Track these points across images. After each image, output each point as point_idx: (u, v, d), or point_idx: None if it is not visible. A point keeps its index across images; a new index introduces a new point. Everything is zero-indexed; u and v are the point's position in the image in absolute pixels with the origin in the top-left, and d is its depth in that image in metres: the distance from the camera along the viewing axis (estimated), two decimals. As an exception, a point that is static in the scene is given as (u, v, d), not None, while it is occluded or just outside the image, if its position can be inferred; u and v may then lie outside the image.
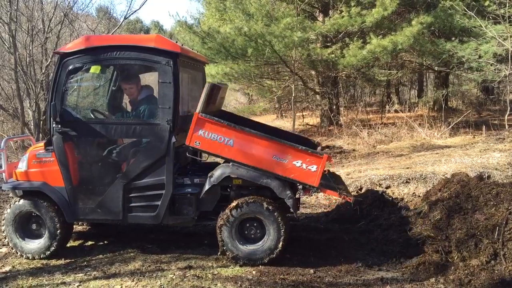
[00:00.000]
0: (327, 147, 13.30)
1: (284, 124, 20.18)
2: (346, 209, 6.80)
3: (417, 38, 14.02)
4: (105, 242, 5.61)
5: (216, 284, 4.40)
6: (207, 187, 4.90)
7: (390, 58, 15.21)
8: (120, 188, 4.90)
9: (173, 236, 5.89)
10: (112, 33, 14.21)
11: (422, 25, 13.56)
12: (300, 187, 5.24)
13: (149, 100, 5.15)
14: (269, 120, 22.53)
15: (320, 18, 16.65)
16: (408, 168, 8.58)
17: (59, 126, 4.81)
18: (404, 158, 10.49)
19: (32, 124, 13.58)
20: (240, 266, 4.83)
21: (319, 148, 5.63)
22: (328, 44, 15.75)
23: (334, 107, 17.70)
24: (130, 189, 4.91)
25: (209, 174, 4.92)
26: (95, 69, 4.99)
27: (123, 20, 15.26)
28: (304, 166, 4.75)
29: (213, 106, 5.41)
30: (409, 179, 7.84)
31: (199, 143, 4.81)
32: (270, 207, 4.83)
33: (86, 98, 5.73)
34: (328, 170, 6.02)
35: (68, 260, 5.00)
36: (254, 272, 4.70)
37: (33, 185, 4.99)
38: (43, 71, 13.55)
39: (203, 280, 4.49)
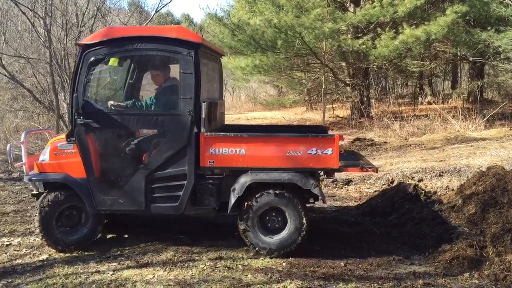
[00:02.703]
0: (358, 139, 13.17)
1: (314, 116, 20.07)
2: (378, 202, 6.72)
3: (451, 27, 13.70)
4: (138, 232, 5.71)
5: (247, 275, 4.43)
6: (232, 201, 4.86)
7: (423, 48, 14.91)
8: (142, 178, 4.91)
9: (204, 227, 5.95)
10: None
11: (456, 14, 13.22)
12: (322, 173, 5.28)
13: (172, 90, 5.16)
14: (299, 112, 22.44)
15: (351, 9, 16.42)
16: (441, 161, 8.43)
17: (81, 117, 4.81)
18: (437, 151, 10.30)
19: (67, 116, 13.92)
20: (270, 258, 4.84)
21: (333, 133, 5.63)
22: (359, 35, 15.54)
23: (365, 99, 17.48)
24: (152, 179, 4.92)
25: (231, 188, 4.91)
26: (113, 61, 4.99)
27: (154, 14, 15.43)
28: (319, 152, 4.82)
29: (216, 123, 5.50)
30: (442, 172, 7.71)
31: (213, 162, 4.86)
32: (291, 197, 4.87)
33: (107, 90, 5.75)
34: (344, 150, 6.06)
35: (102, 250, 5.11)
36: (284, 264, 4.71)
37: (56, 177, 4.96)
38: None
39: (233, 271, 4.53)
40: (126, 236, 5.63)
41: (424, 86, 23.20)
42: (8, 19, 15.69)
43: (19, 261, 4.88)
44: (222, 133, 4.97)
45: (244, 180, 4.86)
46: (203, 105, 4.90)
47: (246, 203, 4.89)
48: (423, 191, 6.67)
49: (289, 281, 4.28)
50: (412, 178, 7.99)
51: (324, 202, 5.13)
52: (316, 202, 5.28)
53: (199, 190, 4.97)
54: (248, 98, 30.63)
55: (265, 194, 4.87)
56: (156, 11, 14.92)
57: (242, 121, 22.00)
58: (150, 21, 15.51)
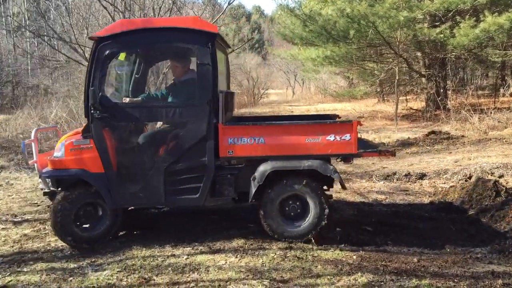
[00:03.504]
0: (433, 132, 12.67)
1: (386, 108, 19.54)
2: (454, 198, 6.46)
3: (539, 14, 12.77)
4: (209, 220, 5.87)
5: (317, 266, 4.44)
6: (253, 190, 4.89)
7: (506, 37, 14.02)
8: (161, 171, 4.88)
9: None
10: (216, 20, 14.65)
11: (545, 0, 12.31)
12: (338, 159, 5.36)
13: (193, 83, 5.07)
14: (370, 104, 21.95)
15: (428, -4, 15.75)
16: (525, 156, 7.92)
17: (98, 112, 4.71)
18: (520, 146, 9.70)
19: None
20: (341, 250, 4.82)
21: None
22: (437, 23, 14.91)
23: (442, 90, 16.78)
24: (171, 172, 4.88)
25: (251, 177, 4.92)
26: (122, 56, 5.03)
27: (227, 6, 15.64)
28: (338, 138, 4.88)
29: (230, 113, 5.47)
30: (526, 168, 7.26)
31: (232, 152, 4.88)
32: (312, 184, 4.93)
33: (124, 83, 5.71)
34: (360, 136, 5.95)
35: (177, 235, 5.30)
36: (354, 257, 4.66)
37: (73, 173, 4.84)
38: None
39: (303, 261, 4.55)
40: (196, 221, 5.81)
41: (506, 77, 21.83)
42: (90, 14, 16.56)
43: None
44: (241, 122, 5.00)
45: (264, 169, 4.90)
46: (220, 96, 4.89)
47: (266, 191, 4.92)
48: (504, 188, 6.32)
49: (359, 274, 4.23)
50: (492, 173, 7.60)
51: (344, 188, 5.22)
52: (383, 197, 5.17)
53: (218, 180, 4.98)
54: (318, 90, 30.38)
55: (285, 181, 4.93)
56: (229, 4, 15.12)
57: (312, 112, 21.90)
58: (223, 13, 15.77)
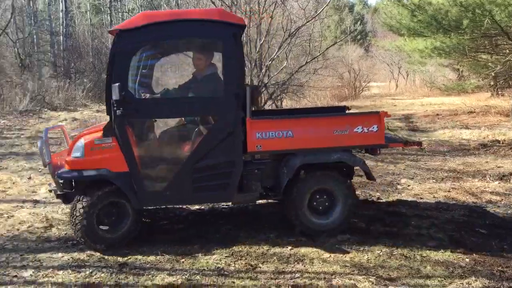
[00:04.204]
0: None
1: (500, 103, 18.12)
2: None
3: None
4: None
5: (426, 267, 4.28)
6: (284, 184, 4.81)
7: None
8: (188, 168, 4.71)
9: (378, 213, 5.87)
10: (319, 12, 14.55)
11: None
12: (363, 151, 5.39)
13: (215, 77, 5.00)
14: (482, 98, 20.49)
15: (556, -19, 14.28)
16: None
17: (121, 108, 4.47)
18: None
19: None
20: (452, 251, 4.59)
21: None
22: None
23: None
24: (198, 169, 4.71)
25: (281, 171, 4.87)
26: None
27: (331, -2, 15.44)
28: (365, 129, 4.86)
29: (255, 108, 5.30)
30: None
31: (260, 146, 4.77)
32: (340, 177, 4.96)
33: (147, 77, 5.48)
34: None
35: (281, 225, 5.39)
36: (467, 259, 4.42)
37: (95, 173, 4.60)
38: (257, 50, 14.65)
39: (411, 261, 4.41)
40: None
41: None
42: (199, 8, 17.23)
43: (208, 227, 5.40)
44: (268, 116, 4.90)
45: (294, 163, 4.82)
46: (248, 89, 4.74)
47: (294, 185, 4.83)
48: None
49: (473, 278, 4.01)
50: None
51: (373, 179, 5.25)
52: (498, 199, 4.82)
53: (245, 176, 4.86)
54: (424, 83, 28.95)
55: (314, 175, 4.90)
56: (333, -5, 14.91)
57: (416, 106, 20.97)
58: (327, 5, 15.61)
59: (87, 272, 4.21)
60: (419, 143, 5.34)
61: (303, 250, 4.70)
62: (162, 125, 5.14)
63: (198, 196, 4.87)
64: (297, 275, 4.13)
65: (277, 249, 4.71)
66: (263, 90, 15.60)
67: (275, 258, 4.51)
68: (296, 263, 4.41)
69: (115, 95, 4.36)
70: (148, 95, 4.96)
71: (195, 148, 4.74)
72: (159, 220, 5.75)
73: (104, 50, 22.81)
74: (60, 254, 4.67)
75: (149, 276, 4.16)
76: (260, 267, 4.32)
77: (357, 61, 30.66)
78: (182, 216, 5.84)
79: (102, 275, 4.18)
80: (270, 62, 14.88)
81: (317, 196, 4.99)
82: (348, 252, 4.63)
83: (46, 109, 16.41)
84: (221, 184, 4.78)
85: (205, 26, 4.70)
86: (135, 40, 4.59)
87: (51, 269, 4.32)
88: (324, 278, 4.07)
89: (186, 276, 4.13)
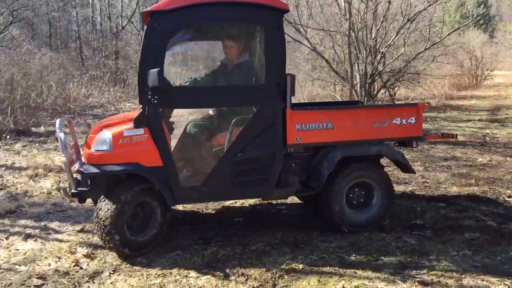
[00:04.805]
0: None
1: None
2: None
3: None
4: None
5: None
6: (324, 178, 4.58)
7: None
8: (227, 162, 4.39)
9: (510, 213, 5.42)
10: None
11: None
12: (396, 144, 5.25)
13: (250, 65, 4.72)
14: None
15: None
16: None
17: (156, 97, 4.10)
18: None
19: (359, 86, 14.52)
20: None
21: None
22: None
23: None
24: (238, 162, 4.41)
25: (321, 165, 4.64)
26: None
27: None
28: (404, 121, 4.78)
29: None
30: None
31: (300, 138, 4.51)
32: (380, 170, 4.86)
33: (184, 64, 5.27)
34: None
35: (401, 217, 5.21)
36: None
37: (125, 168, 4.15)
38: (373, 36, 14.20)
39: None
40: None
41: None
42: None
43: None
44: (309, 107, 4.63)
45: (335, 155, 4.64)
46: (288, 78, 4.41)
47: (333, 179, 4.63)
48: None
49: None
50: None
51: (413, 172, 5.11)
52: None
53: (283, 170, 4.55)
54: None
55: (353, 168, 4.73)
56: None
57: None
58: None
59: (213, 249, 4.40)
60: (455, 136, 5.32)
61: (427, 245, 4.49)
62: (201, 114, 4.88)
63: (236, 191, 4.59)
64: (424, 271, 3.94)
65: (400, 243, 4.56)
66: (376, 78, 15.12)
67: (398, 251, 4.36)
68: (421, 258, 4.22)
69: (152, 82, 3.97)
70: (180, 83, 4.71)
71: (235, 140, 4.42)
72: (276, 206, 5.84)
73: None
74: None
75: (270, 258, 4.23)
76: (382, 260, 4.20)
77: (480, 48, 28.41)
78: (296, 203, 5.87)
79: (226, 253, 4.33)
80: (385, 49, 14.35)
81: (355, 190, 4.82)
82: (478, 252, 4.34)
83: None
84: (261, 179, 4.53)
85: (247, 10, 4.40)
86: (172, 23, 4.21)
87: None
88: (453, 277, 3.85)
89: (307, 261, 4.14)
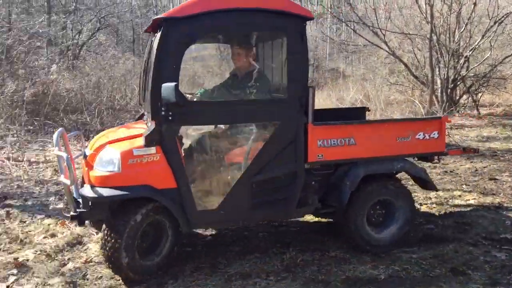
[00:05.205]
0: None
1: None
2: None
3: None
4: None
5: None
6: (347, 197, 4.27)
7: None
8: (246, 182, 4.04)
9: None
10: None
11: None
12: (415, 159, 4.96)
13: (263, 75, 4.41)
14: None
15: None
16: None
17: (172, 112, 3.72)
18: None
19: (439, 92, 13.95)
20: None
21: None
22: None
23: None
24: (257, 182, 4.07)
25: (342, 183, 4.34)
26: None
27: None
28: (427, 136, 4.57)
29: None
30: None
31: (322, 156, 4.21)
32: (403, 186, 4.63)
33: (201, 75, 4.85)
34: None
35: (489, 230, 4.96)
36: None
37: (136, 191, 3.76)
38: (456, 39, 13.60)
39: None
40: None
41: None
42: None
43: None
44: (331, 122, 4.38)
45: (357, 173, 4.35)
46: (310, 91, 4.10)
47: (355, 197, 4.33)
48: None
49: None
50: None
51: (435, 189, 4.87)
52: None
53: (302, 188, 4.22)
54: None
55: (375, 185, 4.45)
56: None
57: None
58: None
59: (292, 254, 4.39)
60: (477, 150, 5.22)
61: (522, 260, 4.22)
62: (220, 130, 4.38)
63: (256, 213, 4.22)
64: (515, 288, 3.72)
65: (488, 257, 4.32)
66: (459, 83, 14.45)
67: (486, 266, 4.14)
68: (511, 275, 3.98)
69: (168, 97, 3.59)
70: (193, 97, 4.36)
71: (254, 158, 4.08)
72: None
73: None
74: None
75: (350, 266, 4.18)
76: (470, 274, 4.00)
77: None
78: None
79: (304, 258, 4.32)
80: (470, 53, 13.69)
81: (377, 207, 4.55)
82: None
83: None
84: (282, 199, 4.21)
85: (269, 16, 4.01)
86: (189, 30, 3.81)
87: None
88: (549, 297, 3.60)
89: (389, 272, 4.04)
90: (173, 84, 3.57)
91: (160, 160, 3.82)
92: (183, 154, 3.97)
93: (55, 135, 4.05)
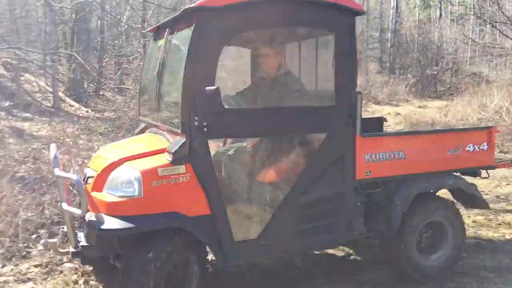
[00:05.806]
0: None
1: None
2: None
3: None
4: None
5: None
6: (398, 220, 3.73)
7: None
8: (291, 206, 3.43)
9: None
10: None
11: None
12: (457, 173, 4.27)
13: (293, 80, 3.80)
14: None
15: None
16: None
17: (208, 122, 3.05)
18: None
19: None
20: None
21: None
22: None
23: None
24: (303, 206, 3.48)
25: (392, 203, 3.78)
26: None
27: None
28: (476, 148, 4.15)
29: None
30: None
31: (370, 172, 3.68)
32: (454, 206, 4.14)
33: (240, 77, 4.23)
34: None
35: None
36: None
37: (162, 220, 3.06)
38: None
39: None
40: None
41: None
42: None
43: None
44: (380, 133, 4.08)
45: (408, 192, 3.83)
46: (359, 97, 3.49)
47: (406, 219, 3.79)
48: None
49: None
50: None
51: (487, 207, 4.39)
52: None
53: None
54: None
55: (426, 205, 3.94)
56: None
57: None
58: None
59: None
60: None
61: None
62: (263, 144, 3.69)
63: (303, 243, 3.59)
64: None
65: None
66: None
67: None
68: None
69: (208, 104, 3.00)
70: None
71: (299, 177, 3.50)
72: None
73: (430, 46, 22.55)
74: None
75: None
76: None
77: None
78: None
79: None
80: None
81: (427, 231, 4.02)
82: None
83: (370, 103, 17.27)
84: (329, 224, 3.61)
85: (318, 9, 3.41)
86: (228, 24, 3.17)
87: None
88: None
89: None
90: (213, 88, 2.98)
91: (192, 181, 3.12)
92: (223, 173, 3.51)
93: (52, 151, 3.38)
